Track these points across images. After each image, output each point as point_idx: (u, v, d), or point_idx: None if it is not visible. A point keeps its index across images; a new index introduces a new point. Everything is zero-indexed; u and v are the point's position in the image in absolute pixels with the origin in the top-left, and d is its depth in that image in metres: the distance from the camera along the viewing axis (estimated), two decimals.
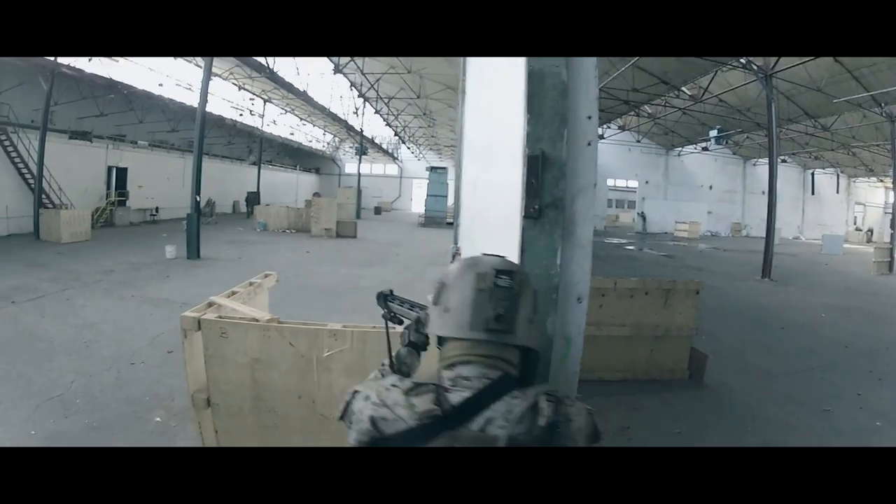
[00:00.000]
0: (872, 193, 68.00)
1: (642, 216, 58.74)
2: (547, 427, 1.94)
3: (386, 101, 49.64)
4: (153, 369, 9.88)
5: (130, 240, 28.34)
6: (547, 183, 2.98)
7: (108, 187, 35.69)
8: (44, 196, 28.16)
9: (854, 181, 67.62)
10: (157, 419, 7.95)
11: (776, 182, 27.80)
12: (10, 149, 27.89)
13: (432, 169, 55.00)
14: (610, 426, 8.67)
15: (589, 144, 3.12)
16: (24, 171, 28.56)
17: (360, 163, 58.35)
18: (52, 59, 27.24)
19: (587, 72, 3.14)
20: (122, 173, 36.59)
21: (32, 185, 28.22)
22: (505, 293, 2.05)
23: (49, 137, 27.93)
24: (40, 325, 12.38)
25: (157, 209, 38.84)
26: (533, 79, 3.04)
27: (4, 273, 17.83)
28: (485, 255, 2.27)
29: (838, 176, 64.30)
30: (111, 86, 33.20)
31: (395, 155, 79.38)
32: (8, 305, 13.83)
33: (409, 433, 1.96)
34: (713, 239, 55.08)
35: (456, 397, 1.98)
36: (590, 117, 3.13)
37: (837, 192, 65.17)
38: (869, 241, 57.31)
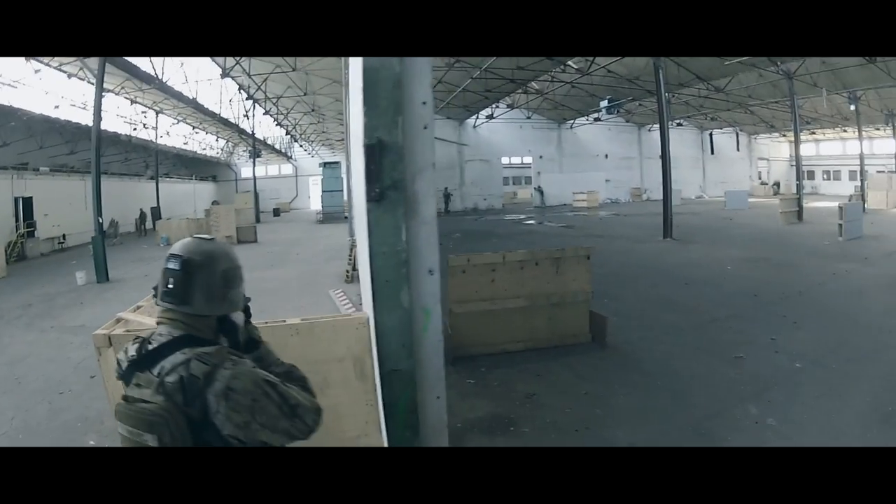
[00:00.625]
0: (776, 148, 70.11)
1: (539, 190, 58.80)
2: (182, 380, 2.38)
3: (274, 100, 49.21)
4: (80, 395, 9.89)
5: (43, 270, 27.60)
6: (385, 167, 3.23)
7: (17, 219, 34.22)
8: None
9: (755, 138, 69.52)
10: (91, 442, 7.99)
11: (668, 146, 28.47)
12: None
13: (325, 164, 55.02)
14: (516, 395, 8.93)
15: (425, 128, 3.38)
16: None
17: (254, 166, 56.79)
18: None
19: (420, 61, 3.39)
20: (28, 203, 35.12)
21: None
22: (172, 273, 2.59)
23: None
24: None
25: (63, 236, 37.43)
26: (368, 73, 3.27)
27: None
28: (195, 237, 2.75)
29: (738, 134, 65.56)
30: (10, 113, 31.89)
31: (289, 154, 78.48)
32: None
33: (124, 371, 2.57)
34: (613, 206, 55.93)
35: (150, 347, 2.53)
36: (424, 103, 3.40)
37: (738, 149, 66.43)
38: (776, 193, 58.83)
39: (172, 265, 2.59)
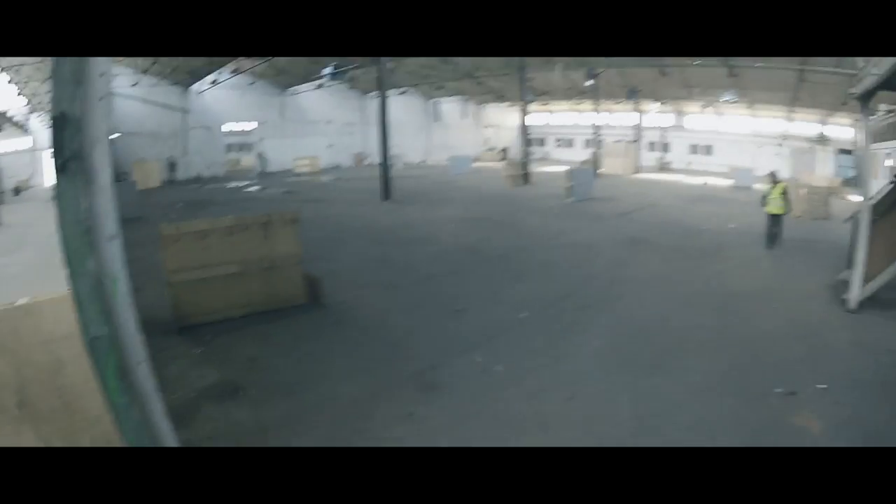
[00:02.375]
0: (505, 116, 72.56)
1: (261, 156, 58.10)
2: None
3: (17, 68, 45.49)
4: None
5: None
6: (66, 139, 3.29)
7: None
8: None
9: (484, 106, 71.76)
10: None
11: (387, 112, 29.43)
12: None
13: None
14: (241, 359, 9.04)
15: (101, 99, 3.45)
16: None
17: None
18: None
19: None
20: None
21: None
22: None
23: None
24: None
25: None
26: None
27: None
28: None
29: (466, 103, 67.49)
30: None
31: (26, 127, 72.31)
32: None
33: None
34: (336, 170, 55.67)
35: None
36: (102, 74, 3.47)
37: (465, 117, 68.54)
38: (503, 159, 60.89)
39: None
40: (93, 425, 6.18)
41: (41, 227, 28.92)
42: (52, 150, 3.34)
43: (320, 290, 11.61)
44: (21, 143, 72.86)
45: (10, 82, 49.83)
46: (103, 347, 3.56)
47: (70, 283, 3.49)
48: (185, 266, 10.53)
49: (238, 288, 10.98)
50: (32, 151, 73.71)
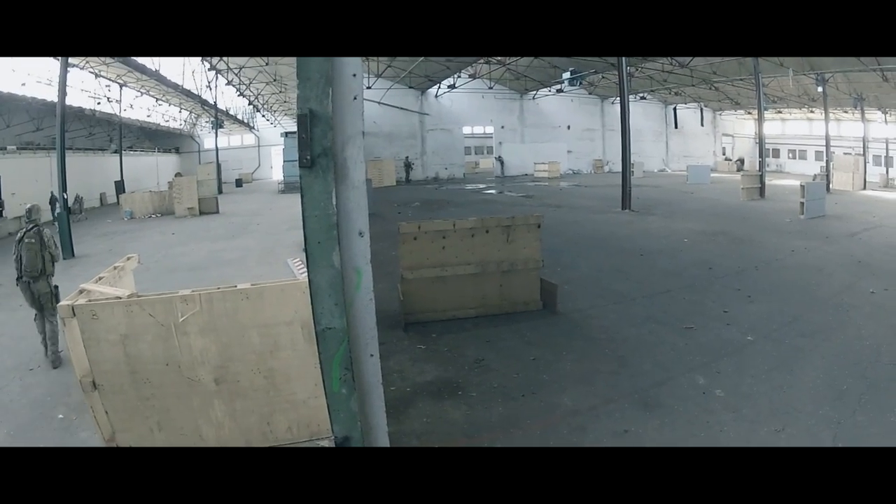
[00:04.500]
0: (741, 125, 69.71)
1: (500, 160, 58.58)
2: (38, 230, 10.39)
3: (237, 70, 48.56)
4: (50, 371, 9.86)
5: (9, 251, 27.03)
6: (316, 136, 3.40)
7: None
8: None
9: (720, 114, 69.20)
10: (60, 416, 7.98)
11: (628, 118, 28.46)
12: None
13: (286, 134, 51.69)
14: (465, 360, 9.16)
15: (355, 99, 3.56)
16: None
17: (216, 137, 55.15)
18: None
19: None
20: None
21: None
22: (28, 215, 10.60)
23: None
24: None
25: None
26: None
27: None
28: (32, 204, 10.91)
29: (702, 110, 65.32)
30: None
31: (252, 124, 76.82)
32: None
33: (27, 231, 10.47)
34: (575, 177, 55.54)
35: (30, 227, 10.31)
36: (354, 75, 3.57)
37: (702, 125, 66.28)
38: (739, 170, 58.41)
39: (27, 213, 10.56)
40: (294, 408, 6.55)
41: (258, 216, 31.04)
42: (299, 145, 3.45)
43: (556, 298, 11.50)
44: (245, 139, 78.22)
45: (228, 84, 53.16)
46: (334, 338, 3.63)
47: (309, 274, 3.59)
48: (421, 264, 10.87)
49: (472, 289, 11.17)
50: (257, 147, 78.93)
